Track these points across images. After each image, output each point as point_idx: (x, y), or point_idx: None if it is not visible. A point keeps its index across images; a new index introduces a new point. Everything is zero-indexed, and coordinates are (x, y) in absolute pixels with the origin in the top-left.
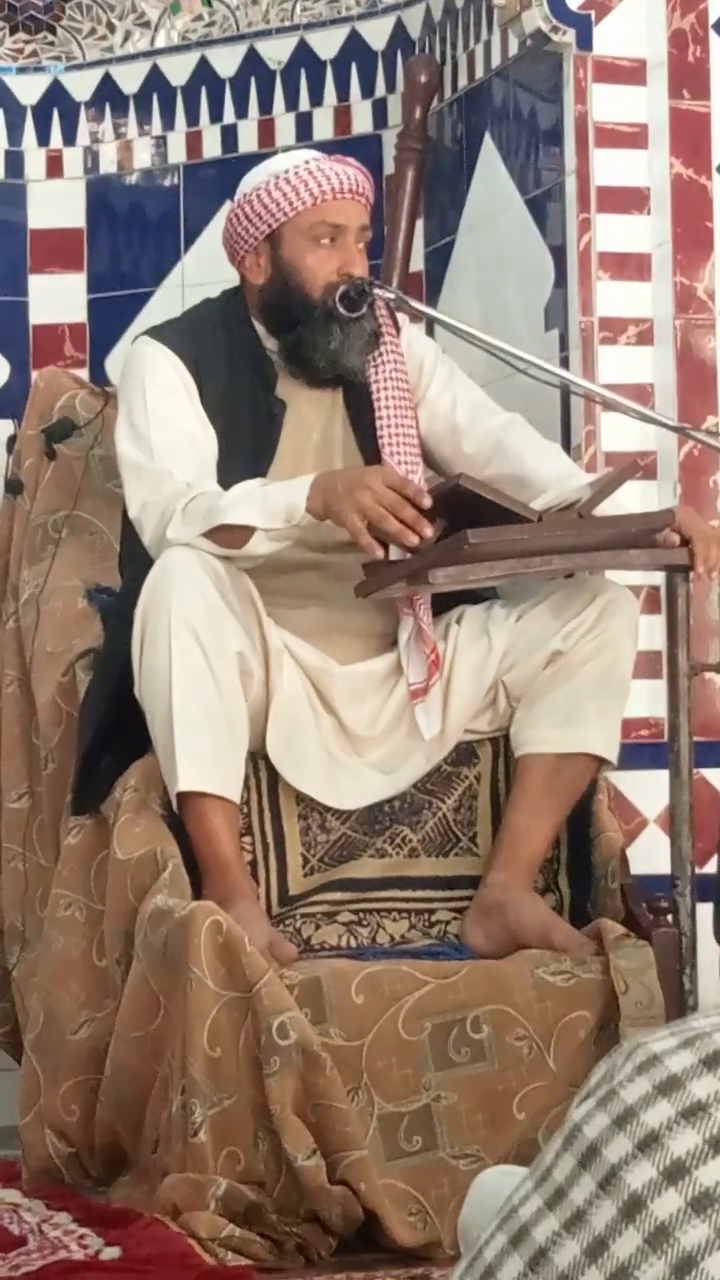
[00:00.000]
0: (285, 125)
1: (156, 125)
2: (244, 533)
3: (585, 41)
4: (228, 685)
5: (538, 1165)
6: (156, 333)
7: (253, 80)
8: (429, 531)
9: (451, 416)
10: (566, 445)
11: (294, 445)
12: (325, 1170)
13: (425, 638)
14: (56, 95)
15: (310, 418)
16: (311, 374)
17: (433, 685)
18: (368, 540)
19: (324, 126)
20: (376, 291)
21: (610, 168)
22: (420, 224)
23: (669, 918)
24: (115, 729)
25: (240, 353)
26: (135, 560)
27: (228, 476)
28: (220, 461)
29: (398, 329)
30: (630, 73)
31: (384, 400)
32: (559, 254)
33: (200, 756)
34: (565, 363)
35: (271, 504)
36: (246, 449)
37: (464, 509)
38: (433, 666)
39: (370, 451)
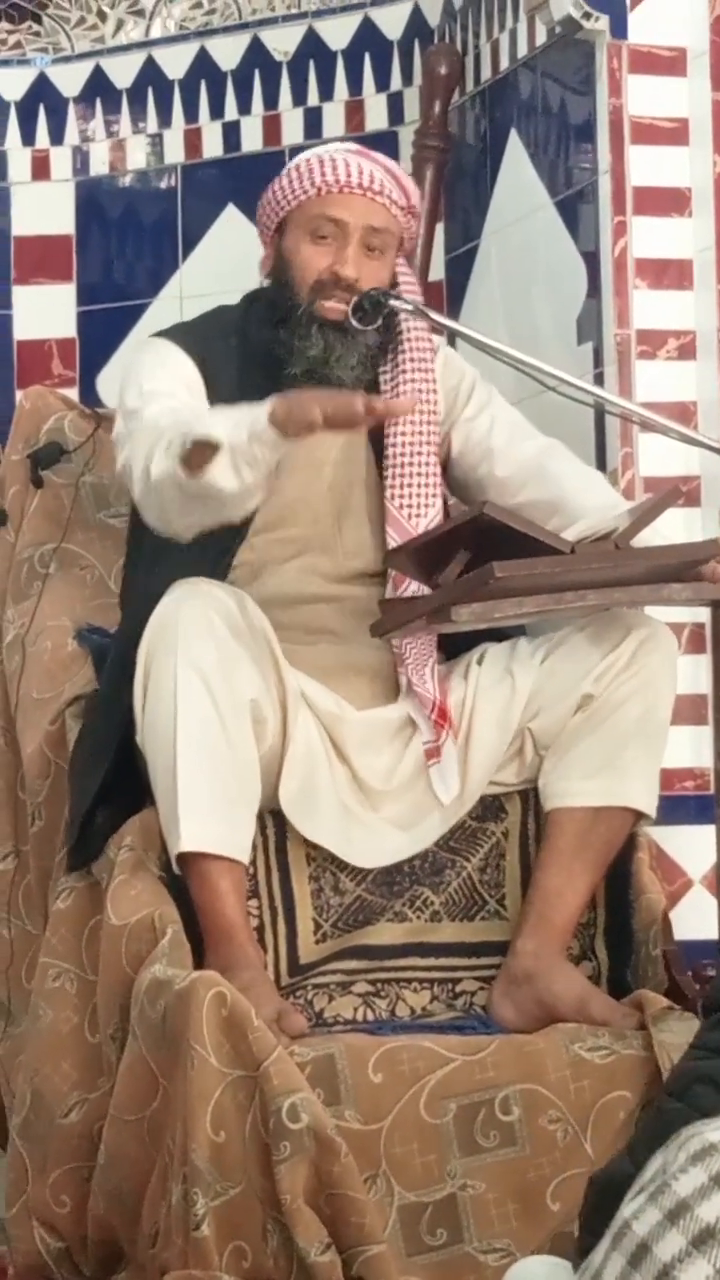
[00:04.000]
0: (292, 121)
1: (152, 122)
2: (210, 452)
3: (619, 29)
4: (238, 736)
5: (587, 1265)
6: (166, 332)
7: (257, 73)
8: (378, 404)
9: (487, 439)
10: (601, 469)
11: (310, 459)
12: (340, 1267)
13: (420, 698)
14: (43, 90)
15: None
16: (286, 381)
17: (443, 744)
18: (337, 400)
19: (334, 123)
20: (393, 303)
21: (647, 166)
22: (440, 229)
23: None
24: (112, 781)
25: (254, 360)
26: (136, 593)
27: None
28: None
29: (434, 349)
30: (668, 63)
31: (396, 437)
32: (592, 260)
33: (206, 813)
34: (600, 379)
35: (237, 419)
36: None
37: (490, 540)
38: (438, 725)
39: None
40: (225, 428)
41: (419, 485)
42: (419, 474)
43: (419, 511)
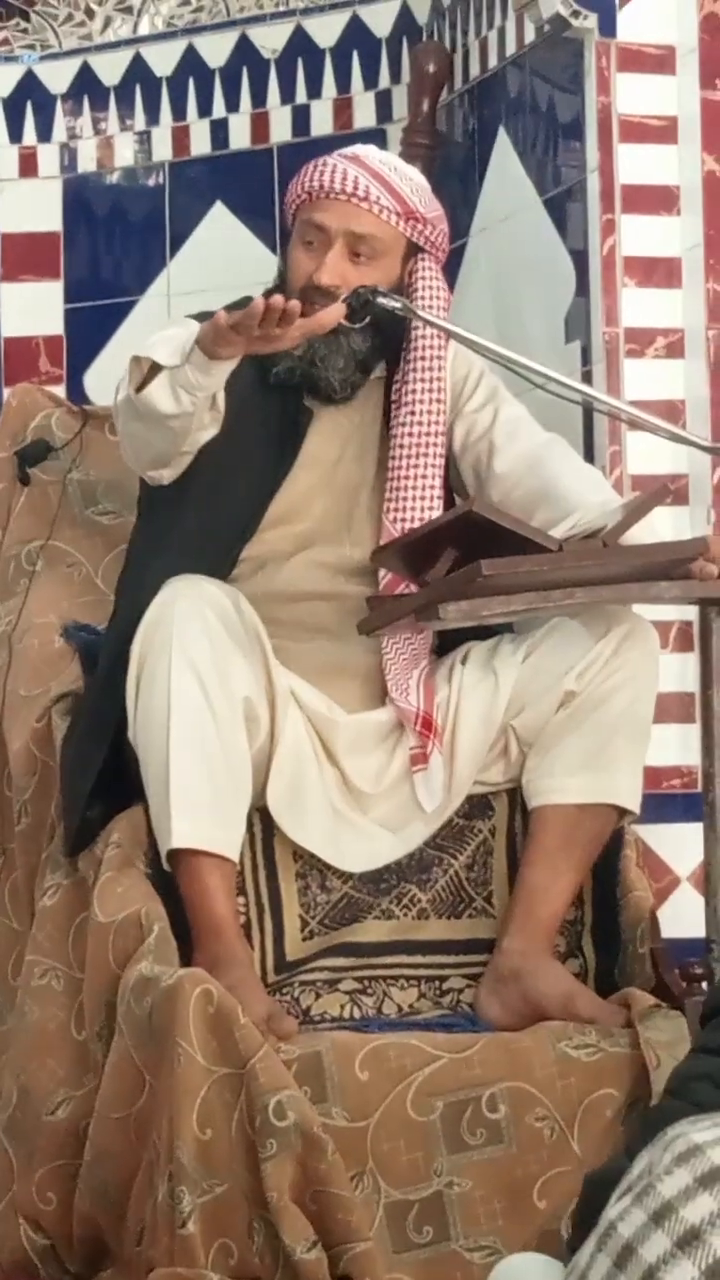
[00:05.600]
0: (280, 119)
1: (140, 119)
2: (154, 373)
3: (608, 27)
4: (231, 734)
5: (573, 1266)
6: (192, 315)
7: (244, 70)
8: (295, 304)
9: (489, 433)
10: None
11: (322, 455)
12: (327, 1264)
13: (401, 710)
14: (30, 87)
15: (347, 428)
16: (273, 380)
17: (430, 752)
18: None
19: (323, 120)
20: (380, 301)
21: (636, 164)
22: None
23: (704, 985)
24: (103, 777)
25: (253, 357)
26: (134, 582)
27: (240, 479)
28: (236, 470)
29: (443, 349)
30: (657, 61)
31: (397, 446)
32: (580, 259)
33: (198, 811)
34: (588, 378)
35: (177, 345)
36: (268, 454)
37: (478, 538)
38: (423, 733)
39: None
40: (165, 352)
41: (414, 497)
42: (414, 486)
43: (411, 523)
